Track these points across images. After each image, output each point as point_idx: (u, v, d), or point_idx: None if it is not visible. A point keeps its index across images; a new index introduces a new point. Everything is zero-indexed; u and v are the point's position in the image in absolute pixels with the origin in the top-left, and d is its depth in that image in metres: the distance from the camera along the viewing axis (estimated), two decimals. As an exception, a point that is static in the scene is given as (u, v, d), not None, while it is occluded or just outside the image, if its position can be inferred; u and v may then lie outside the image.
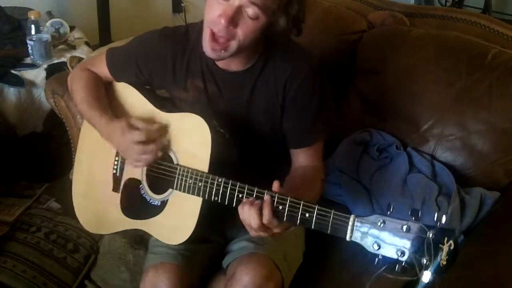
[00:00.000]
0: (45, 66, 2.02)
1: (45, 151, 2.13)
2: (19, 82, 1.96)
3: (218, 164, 1.10)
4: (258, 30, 1.08)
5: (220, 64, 1.20)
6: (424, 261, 0.83)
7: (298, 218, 0.97)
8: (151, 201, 1.22)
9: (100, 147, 1.30)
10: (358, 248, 1.36)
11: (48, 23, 2.14)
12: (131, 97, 1.31)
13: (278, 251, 1.23)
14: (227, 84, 1.22)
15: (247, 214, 1.01)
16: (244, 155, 1.19)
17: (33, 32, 1.99)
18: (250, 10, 1.05)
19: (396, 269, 0.87)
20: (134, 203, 1.25)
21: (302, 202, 0.97)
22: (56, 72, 1.95)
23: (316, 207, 0.96)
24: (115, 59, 1.34)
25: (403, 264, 0.86)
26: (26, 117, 2.04)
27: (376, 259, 0.90)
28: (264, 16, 1.06)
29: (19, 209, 1.89)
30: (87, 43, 2.26)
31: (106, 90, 1.35)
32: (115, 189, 1.29)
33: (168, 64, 1.26)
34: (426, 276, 0.83)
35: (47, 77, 1.97)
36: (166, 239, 1.20)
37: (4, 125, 2.01)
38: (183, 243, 1.17)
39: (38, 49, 1.99)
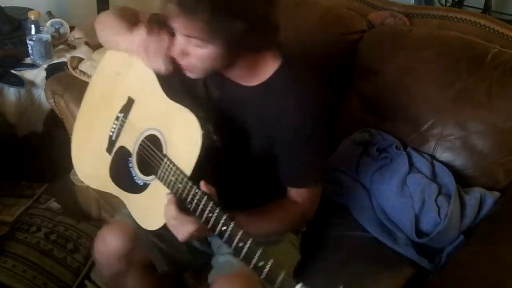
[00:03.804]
0: (45, 66, 2.01)
1: (45, 151, 2.13)
2: (19, 82, 1.96)
3: (201, 171, 1.08)
4: (213, 58, 1.06)
5: (228, 74, 1.18)
6: None
7: (252, 264, 0.95)
8: (135, 177, 1.21)
9: (105, 103, 1.30)
10: (357, 249, 1.37)
11: (48, 23, 2.14)
12: (144, 73, 1.26)
13: None
14: (231, 95, 1.19)
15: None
16: (231, 169, 1.18)
17: (33, 32, 1.99)
18: (193, 41, 1.04)
19: None
20: (120, 172, 1.25)
21: (259, 251, 0.94)
22: (56, 72, 1.95)
23: (271, 261, 0.93)
24: (154, 24, 1.30)
25: None
26: (26, 117, 2.04)
27: None
28: (210, 47, 1.04)
29: (19, 209, 1.89)
30: (87, 43, 2.26)
31: None
32: (108, 150, 1.29)
33: None
34: None
35: (47, 77, 1.97)
36: (139, 221, 1.21)
37: (4, 125, 2.01)
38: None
39: (38, 49, 1.99)
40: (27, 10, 2.15)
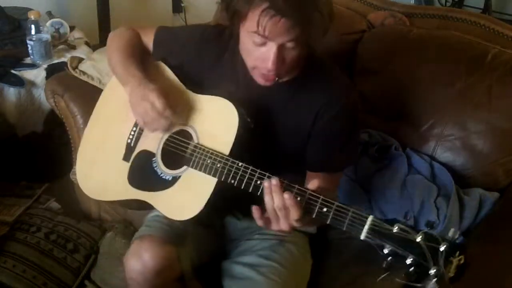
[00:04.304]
0: (45, 66, 2.01)
1: (45, 151, 2.13)
2: (19, 82, 1.96)
3: (239, 151, 1.11)
4: (303, 55, 1.08)
5: None
6: (432, 271, 0.84)
7: (316, 211, 0.98)
8: (162, 174, 1.22)
9: (119, 116, 1.31)
10: (358, 250, 1.37)
11: (48, 23, 2.14)
12: (159, 71, 1.31)
13: (290, 281, 1.22)
14: (260, 94, 1.19)
15: (269, 198, 1.01)
16: (265, 152, 1.18)
17: (33, 32, 1.99)
18: (291, 44, 1.04)
19: (405, 274, 0.87)
20: (143, 174, 1.25)
21: (321, 197, 0.99)
22: (56, 72, 1.95)
23: (335, 203, 0.97)
24: (163, 37, 1.35)
25: (410, 271, 0.87)
26: (26, 117, 2.04)
27: (385, 262, 0.90)
28: (304, 44, 1.05)
29: (19, 209, 1.89)
30: (87, 43, 2.26)
31: (142, 56, 1.35)
32: (126, 158, 1.29)
33: (205, 66, 1.26)
34: (432, 286, 0.85)
35: (47, 77, 1.97)
36: (170, 214, 1.19)
37: (4, 125, 2.01)
38: (187, 220, 1.16)
39: (38, 49, 1.99)
40: (27, 10, 2.15)
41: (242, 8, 1.02)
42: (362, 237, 0.94)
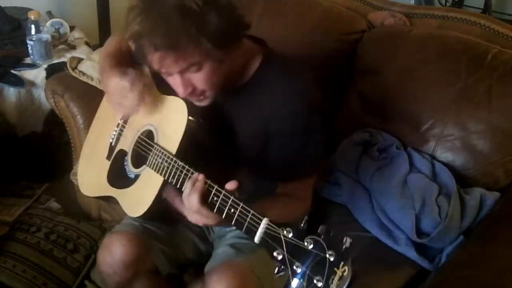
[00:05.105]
0: (45, 66, 2.02)
1: (45, 151, 2.13)
2: (19, 82, 1.96)
3: (189, 151, 1.12)
4: (213, 72, 1.07)
5: None
6: (315, 280, 0.82)
7: (225, 212, 0.97)
8: (128, 173, 1.27)
9: (110, 116, 1.38)
10: (358, 249, 1.37)
11: (48, 23, 2.14)
12: (141, 74, 1.33)
13: (260, 257, 1.19)
14: (217, 99, 1.19)
15: (183, 194, 1.02)
16: (224, 157, 1.19)
17: (33, 32, 1.99)
18: (189, 70, 1.05)
19: (292, 282, 0.84)
20: (117, 172, 1.31)
21: (231, 198, 0.97)
22: (56, 72, 1.95)
23: (241, 204, 0.95)
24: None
25: (298, 278, 0.84)
26: (26, 117, 2.04)
27: (277, 268, 0.87)
28: (205, 62, 1.04)
29: (19, 209, 1.89)
30: (87, 43, 2.26)
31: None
32: (108, 157, 1.35)
33: None
34: None
35: (47, 77, 1.97)
36: (127, 210, 1.24)
37: (4, 125, 2.01)
38: (140, 217, 1.20)
39: (38, 49, 1.99)
40: (27, 10, 2.15)
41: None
42: (256, 240, 0.91)
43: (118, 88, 1.21)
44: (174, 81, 1.08)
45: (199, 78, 1.07)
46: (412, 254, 1.39)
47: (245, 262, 1.19)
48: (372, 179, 1.54)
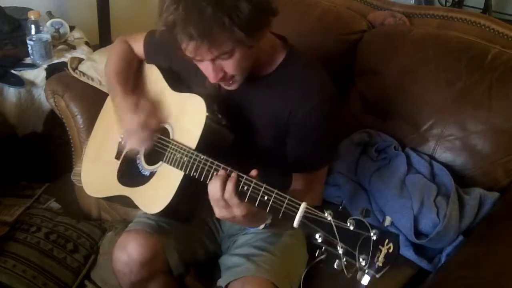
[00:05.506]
0: (45, 66, 2.01)
1: (45, 151, 2.13)
2: (19, 82, 1.96)
3: (208, 146, 1.13)
4: (243, 58, 1.08)
5: None
6: (361, 259, 0.84)
7: (258, 200, 0.98)
8: (142, 171, 1.27)
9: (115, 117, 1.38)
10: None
11: (48, 23, 2.14)
12: (151, 74, 1.38)
13: (280, 269, 1.23)
14: (238, 90, 1.21)
15: (213, 186, 1.02)
16: (240, 151, 1.19)
17: (33, 32, 1.99)
18: (223, 56, 1.06)
19: (335, 264, 0.87)
20: (129, 171, 1.31)
21: (264, 185, 0.98)
22: (56, 72, 1.95)
23: (275, 191, 0.97)
24: (152, 42, 1.38)
25: (342, 258, 0.86)
26: (26, 117, 2.04)
27: (318, 251, 0.89)
28: (237, 49, 1.05)
29: (19, 209, 1.89)
30: (87, 43, 2.26)
31: (138, 65, 1.42)
32: (117, 157, 1.35)
33: (190, 66, 1.26)
34: (360, 275, 0.85)
35: (47, 77, 1.97)
36: (144, 207, 1.23)
37: (4, 125, 2.01)
38: (158, 214, 1.19)
39: (38, 49, 1.99)
40: (27, 10, 2.15)
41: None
42: (295, 224, 0.93)
43: (133, 124, 1.23)
44: (206, 67, 1.09)
45: (230, 64, 1.08)
46: (410, 254, 1.39)
47: (269, 279, 1.20)
48: (371, 179, 1.54)
